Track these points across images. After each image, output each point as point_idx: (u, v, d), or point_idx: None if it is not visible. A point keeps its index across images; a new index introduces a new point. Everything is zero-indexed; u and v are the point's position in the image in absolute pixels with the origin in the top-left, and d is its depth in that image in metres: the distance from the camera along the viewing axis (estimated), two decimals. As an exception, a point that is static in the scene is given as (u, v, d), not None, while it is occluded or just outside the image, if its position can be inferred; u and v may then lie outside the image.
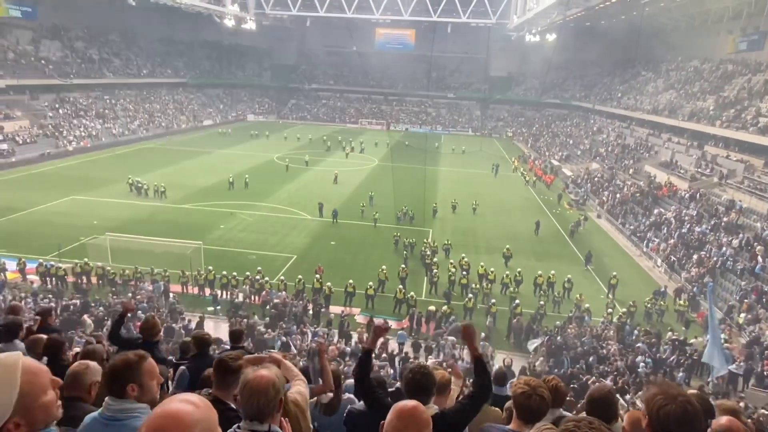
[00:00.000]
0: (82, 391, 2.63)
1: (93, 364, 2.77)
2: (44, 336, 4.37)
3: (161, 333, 4.86)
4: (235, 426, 1.88)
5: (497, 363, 15.39)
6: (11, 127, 45.06)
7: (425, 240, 27.36)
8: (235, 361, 2.75)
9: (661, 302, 21.49)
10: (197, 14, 70.29)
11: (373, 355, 4.43)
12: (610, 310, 20.66)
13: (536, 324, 19.32)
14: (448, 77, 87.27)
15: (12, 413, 1.35)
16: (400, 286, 21.19)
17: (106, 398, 2.09)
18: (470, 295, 20.65)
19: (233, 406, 2.58)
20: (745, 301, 20.49)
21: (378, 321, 10.99)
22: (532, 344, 17.85)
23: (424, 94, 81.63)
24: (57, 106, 52.92)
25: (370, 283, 20.96)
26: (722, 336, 16.37)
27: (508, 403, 3.39)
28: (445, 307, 19.94)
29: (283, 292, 20.70)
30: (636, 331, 18.63)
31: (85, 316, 16.24)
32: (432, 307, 20.18)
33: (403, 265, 23.27)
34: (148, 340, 4.66)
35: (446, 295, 21.41)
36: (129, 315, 5.56)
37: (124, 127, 57.17)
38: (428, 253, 24.85)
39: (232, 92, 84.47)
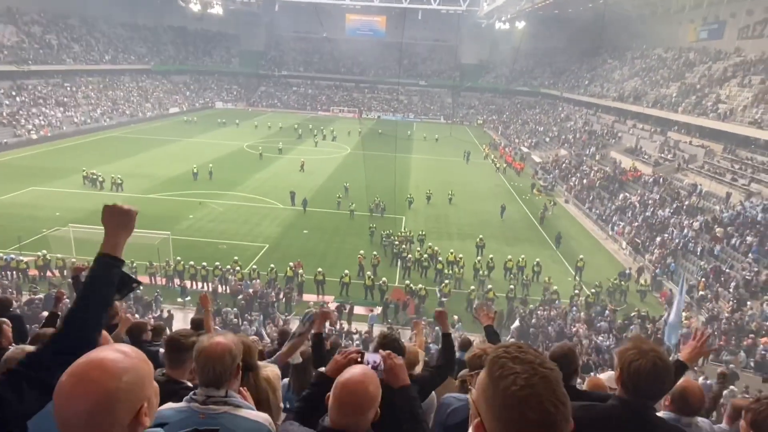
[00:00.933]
0: None
1: (30, 348, 2.67)
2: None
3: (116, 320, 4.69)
4: (191, 393, 1.86)
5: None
6: (-36, 115, 42.95)
7: (400, 232, 26.96)
8: (187, 338, 2.63)
9: (623, 282, 22.24)
10: (161, -2, 68.12)
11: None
12: (576, 291, 21.23)
13: (513, 306, 19.82)
14: (420, 64, 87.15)
15: None
16: (369, 273, 21.38)
17: None
18: (446, 281, 20.89)
19: (189, 384, 2.52)
20: (702, 279, 21.36)
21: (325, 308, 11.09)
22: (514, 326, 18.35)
23: (395, 82, 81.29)
24: (14, 93, 50.59)
25: (346, 271, 20.97)
26: (682, 315, 17.04)
27: (463, 372, 3.47)
28: (420, 286, 20.33)
29: (257, 281, 20.53)
30: (606, 312, 19.21)
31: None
32: (408, 282, 20.92)
33: (375, 253, 23.33)
34: (109, 327, 4.53)
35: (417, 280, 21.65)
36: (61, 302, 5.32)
37: (87, 116, 55.16)
38: (398, 243, 24.77)
39: (199, 79, 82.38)
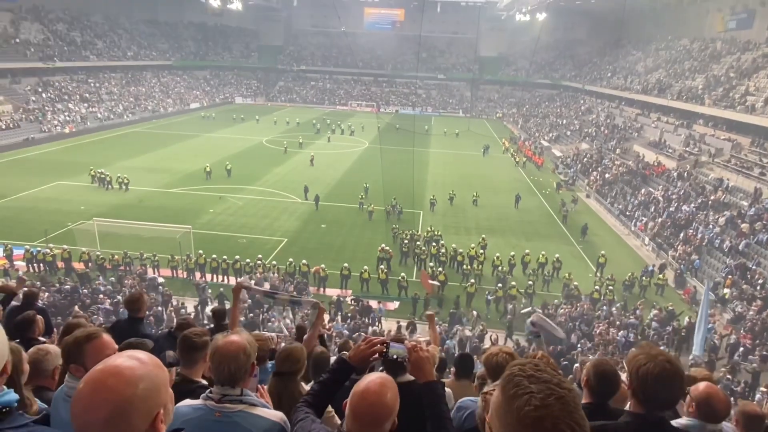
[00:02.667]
0: (46, 379, 2.57)
1: (53, 348, 2.72)
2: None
3: (145, 309, 4.74)
4: (207, 391, 1.87)
5: (487, 342, 15.62)
6: (-7, 111, 44.17)
7: (421, 233, 26.18)
8: (200, 337, 2.65)
9: (645, 278, 21.86)
10: (181, -6, 68.88)
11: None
12: (597, 287, 20.92)
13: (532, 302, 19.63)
14: (438, 58, 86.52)
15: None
16: (382, 267, 21.54)
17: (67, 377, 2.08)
18: (471, 280, 20.65)
19: (204, 382, 2.54)
20: (729, 277, 20.83)
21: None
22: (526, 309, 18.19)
23: (413, 75, 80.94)
24: (40, 89, 51.85)
25: (365, 266, 21.04)
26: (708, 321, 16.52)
27: (479, 372, 3.43)
28: (440, 270, 20.64)
29: (275, 274, 20.70)
30: (636, 310, 18.86)
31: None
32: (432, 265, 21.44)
33: (385, 246, 23.17)
34: (131, 314, 4.57)
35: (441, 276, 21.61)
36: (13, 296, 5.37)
37: (110, 111, 56.21)
38: (421, 244, 24.48)
39: (218, 74, 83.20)
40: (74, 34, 62.18)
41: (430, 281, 20.19)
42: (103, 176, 32.63)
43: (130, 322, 4.45)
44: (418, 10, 74.30)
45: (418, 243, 24.38)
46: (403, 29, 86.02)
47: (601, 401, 2.58)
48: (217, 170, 35.71)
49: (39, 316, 4.23)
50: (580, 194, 36.48)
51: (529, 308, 17.96)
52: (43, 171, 34.83)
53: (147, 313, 5.51)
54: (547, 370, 0.98)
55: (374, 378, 1.65)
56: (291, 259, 21.51)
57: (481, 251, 23.21)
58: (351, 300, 19.19)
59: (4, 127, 43.20)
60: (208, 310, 17.54)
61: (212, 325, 5.22)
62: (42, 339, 3.92)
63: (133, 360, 1.15)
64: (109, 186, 32.01)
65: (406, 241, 24.26)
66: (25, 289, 5.76)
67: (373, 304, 19.45)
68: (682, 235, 25.08)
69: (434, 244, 24.24)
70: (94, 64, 61.19)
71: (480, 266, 22.12)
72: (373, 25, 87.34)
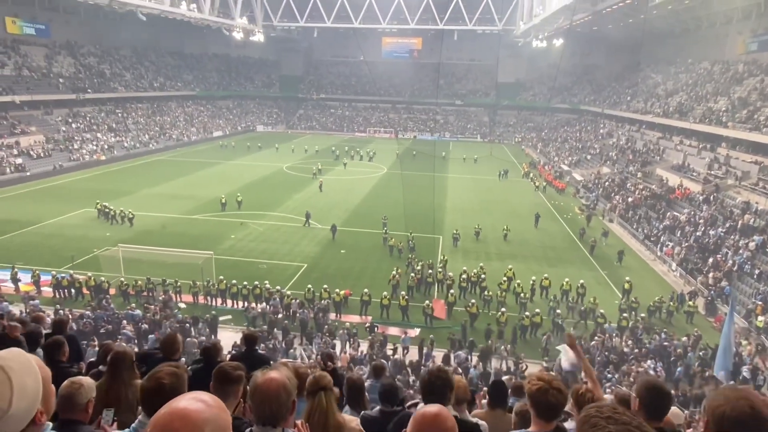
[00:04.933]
0: (79, 412, 2.52)
1: (87, 380, 2.68)
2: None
3: (181, 350, 4.66)
4: (247, 429, 1.82)
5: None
6: (26, 141, 45.83)
7: (430, 261, 25.44)
8: (235, 370, 2.62)
9: (672, 303, 21.22)
10: (206, 27, 71.19)
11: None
12: (625, 314, 20.34)
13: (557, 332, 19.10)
14: (456, 84, 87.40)
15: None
16: (403, 293, 21.32)
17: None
18: (503, 309, 19.88)
19: (247, 420, 2.48)
20: (759, 304, 20.06)
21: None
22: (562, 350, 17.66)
23: (432, 102, 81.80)
24: (70, 120, 53.76)
25: (385, 292, 20.92)
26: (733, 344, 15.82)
27: (518, 406, 3.30)
28: (473, 302, 20.26)
29: (296, 300, 20.66)
30: (662, 335, 18.25)
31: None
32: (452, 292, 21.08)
33: (395, 270, 22.99)
34: (167, 356, 4.47)
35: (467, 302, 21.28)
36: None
37: (136, 140, 57.86)
38: (437, 272, 24.19)
39: (241, 103, 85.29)
40: (104, 66, 64.70)
41: (443, 307, 19.91)
42: (107, 210, 31.64)
43: (163, 362, 4.38)
44: (436, 39, 75.59)
45: (439, 270, 24.12)
46: (420, 57, 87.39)
47: (657, 416, 2.52)
48: (232, 201, 34.94)
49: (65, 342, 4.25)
50: (603, 218, 35.90)
51: (563, 345, 17.49)
52: (71, 198, 35.79)
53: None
54: (625, 413, 0.92)
55: (430, 406, 1.72)
56: (310, 285, 21.47)
57: (505, 279, 22.80)
58: (366, 327, 18.97)
59: (35, 156, 44.74)
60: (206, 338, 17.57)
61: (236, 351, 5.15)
62: (67, 364, 3.91)
63: (199, 402, 1.14)
64: (114, 220, 30.94)
65: (429, 270, 23.93)
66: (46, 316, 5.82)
67: (394, 331, 19.23)
68: (711, 260, 24.38)
69: (450, 273, 23.72)
70: (122, 95, 63.41)
71: (504, 294, 21.72)
72: (391, 54, 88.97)
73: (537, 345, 18.76)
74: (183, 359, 4.93)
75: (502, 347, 17.63)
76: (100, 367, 3.60)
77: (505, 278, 22.80)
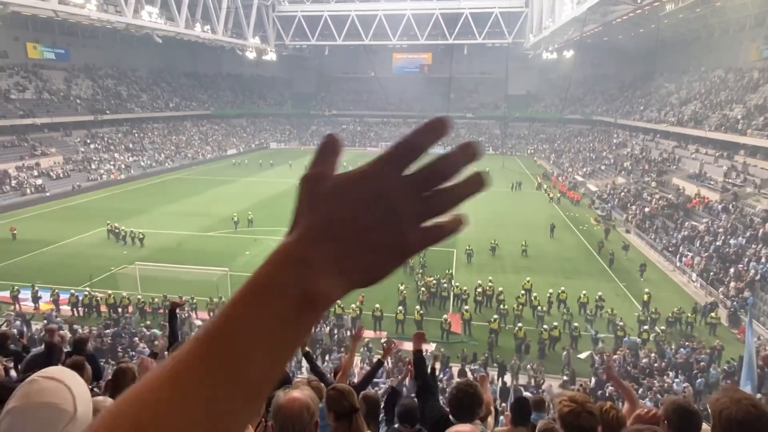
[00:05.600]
0: None
1: (108, 401, 2.68)
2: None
3: None
4: None
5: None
6: (46, 163, 46.88)
7: (438, 276, 24.57)
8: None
9: (693, 315, 20.80)
10: (220, 48, 72.84)
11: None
12: (645, 327, 19.95)
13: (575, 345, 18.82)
14: (467, 97, 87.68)
15: None
16: (417, 307, 21.14)
17: None
18: (520, 324, 19.73)
19: None
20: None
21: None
22: (584, 355, 17.43)
23: (443, 115, 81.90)
24: (88, 141, 54.93)
25: (400, 307, 20.83)
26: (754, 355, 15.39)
27: (542, 424, 3.23)
28: (495, 317, 19.96)
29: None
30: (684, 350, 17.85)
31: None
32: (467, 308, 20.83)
33: (402, 287, 22.78)
34: None
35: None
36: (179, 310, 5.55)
37: (152, 159, 58.85)
38: (442, 286, 23.95)
39: (254, 121, 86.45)
40: (121, 88, 66.22)
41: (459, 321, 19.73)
42: (117, 231, 31.59)
43: None
44: (446, 53, 76.08)
45: (443, 284, 23.94)
46: (431, 72, 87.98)
47: None
48: (244, 219, 34.71)
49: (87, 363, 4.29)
50: (620, 229, 35.45)
51: (588, 353, 17.24)
52: (89, 217, 36.38)
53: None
54: None
55: (461, 427, 1.75)
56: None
57: (523, 293, 22.53)
58: (383, 343, 18.81)
59: (55, 177, 45.70)
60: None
61: None
62: (89, 386, 3.93)
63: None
64: (123, 241, 30.91)
65: (436, 283, 23.77)
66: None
67: (409, 345, 19.05)
68: (732, 270, 23.87)
69: (464, 287, 23.47)
70: (139, 115, 64.72)
71: (521, 307, 21.46)
72: (402, 69, 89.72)
73: (555, 359, 18.46)
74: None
75: (528, 365, 17.38)
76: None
77: (523, 291, 22.55)
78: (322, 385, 3.42)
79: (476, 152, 0.60)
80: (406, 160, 0.60)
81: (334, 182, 0.61)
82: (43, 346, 5.20)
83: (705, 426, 3.32)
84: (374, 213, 0.58)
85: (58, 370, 1.38)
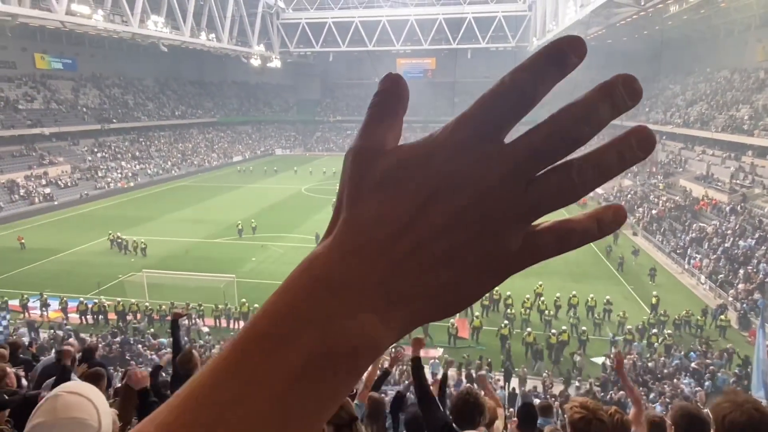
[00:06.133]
0: None
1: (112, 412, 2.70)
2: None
3: (198, 366, 4.74)
4: None
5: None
6: (54, 172, 47.31)
7: None
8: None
9: (702, 318, 20.63)
10: (225, 56, 73.34)
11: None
12: (654, 330, 19.79)
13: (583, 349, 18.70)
14: (471, 101, 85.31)
15: None
16: None
17: None
18: (529, 329, 19.65)
19: None
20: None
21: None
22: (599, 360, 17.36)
23: (447, 120, 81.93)
24: (95, 150, 55.40)
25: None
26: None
27: (548, 429, 3.22)
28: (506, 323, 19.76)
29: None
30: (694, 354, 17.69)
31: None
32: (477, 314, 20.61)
33: None
34: (185, 373, 4.58)
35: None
36: (181, 320, 5.56)
37: (159, 167, 59.25)
38: None
39: (260, 128, 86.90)
40: (127, 97, 66.83)
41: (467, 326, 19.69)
42: (120, 240, 31.33)
43: (184, 381, 4.45)
44: (450, 58, 76.34)
45: None
46: (435, 77, 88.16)
47: None
48: (248, 227, 34.59)
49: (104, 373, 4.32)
50: (627, 231, 35.24)
51: (602, 358, 17.14)
52: (96, 225, 36.63)
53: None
54: None
55: None
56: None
57: (532, 297, 22.43)
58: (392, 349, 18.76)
59: (63, 185, 46.10)
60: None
61: None
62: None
63: None
64: (126, 251, 30.70)
65: None
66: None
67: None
68: (741, 272, 23.66)
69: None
70: (145, 124, 65.23)
71: (528, 312, 21.36)
72: (406, 74, 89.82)
73: (563, 363, 18.36)
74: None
75: (544, 371, 17.28)
76: None
77: (535, 295, 22.43)
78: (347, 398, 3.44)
79: (633, 91, 0.37)
80: (506, 119, 0.39)
81: (393, 159, 0.39)
82: (53, 354, 5.23)
83: None
84: (453, 207, 0.36)
85: (81, 386, 1.41)
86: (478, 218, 0.36)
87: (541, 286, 23.24)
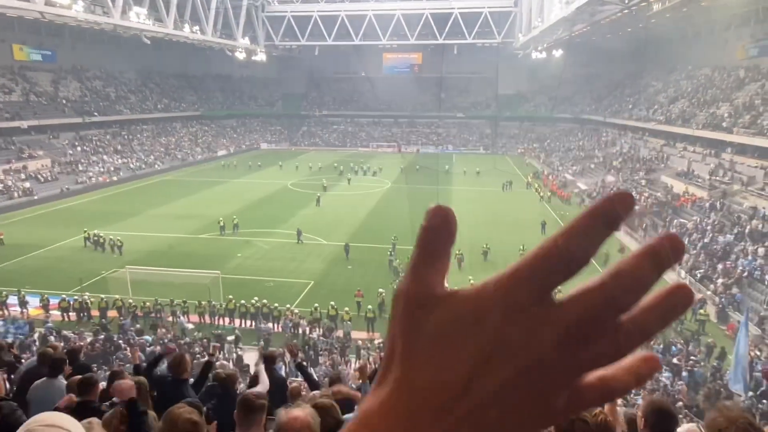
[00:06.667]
0: None
1: (96, 422, 2.69)
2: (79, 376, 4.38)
3: (190, 370, 4.74)
4: None
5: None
6: (34, 165, 46.36)
7: None
8: (258, 398, 2.68)
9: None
10: (209, 49, 72.35)
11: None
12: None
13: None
14: (457, 97, 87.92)
15: None
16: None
17: None
18: None
19: None
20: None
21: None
22: None
23: (434, 115, 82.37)
24: (76, 143, 54.38)
25: (369, 306, 20.96)
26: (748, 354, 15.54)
27: None
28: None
29: (303, 319, 20.67)
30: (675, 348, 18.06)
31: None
32: None
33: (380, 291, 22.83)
34: (176, 377, 4.56)
35: None
36: (166, 357, 5.52)
37: (142, 161, 58.39)
38: None
39: (245, 122, 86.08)
40: (109, 90, 65.63)
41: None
42: (97, 238, 30.22)
43: (174, 385, 4.45)
44: (436, 53, 76.30)
45: None
46: (421, 72, 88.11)
47: None
48: (230, 224, 33.96)
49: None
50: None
51: None
52: (78, 221, 35.96)
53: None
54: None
55: None
56: (317, 304, 21.43)
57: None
58: (379, 344, 18.87)
59: (42, 180, 45.21)
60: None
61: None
62: (98, 403, 3.92)
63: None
64: (102, 248, 29.79)
65: None
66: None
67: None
68: (720, 267, 24.20)
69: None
70: (127, 117, 64.18)
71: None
72: (392, 69, 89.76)
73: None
74: (191, 380, 4.97)
75: None
76: (114, 399, 3.62)
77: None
78: (333, 402, 3.43)
79: (677, 251, 0.37)
80: (559, 282, 0.39)
81: (448, 312, 0.39)
82: (35, 358, 5.16)
83: (691, 427, 3.39)
84: (507, 374, 0.37)
85: (58, 417, 1.39)
86: (531, 383, 0.37)
87: None
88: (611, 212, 0.37)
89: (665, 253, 0.37)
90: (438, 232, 0.40)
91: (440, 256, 0.41)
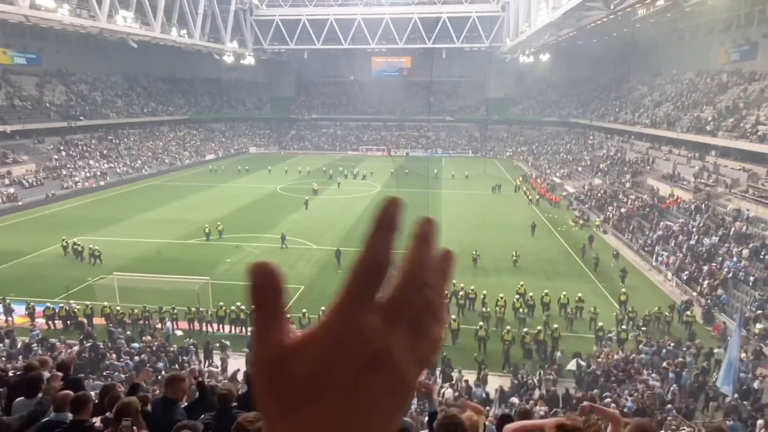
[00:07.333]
0: None
1: None
2: (71, 393, 4.29)
3: (186, 392, 4.62)
4: None
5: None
6: (18, 171, 45.66)
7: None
8: (253, 424, 2.63)
9: (668, 314, 21.32)
10: (197, 52, 71.90)
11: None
12: (623, 327, 20.37)
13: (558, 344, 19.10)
14: (446, 101, 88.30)
15: None
16: None
17: None
18: (508, 327, 19.81)
19: None
20: (759, 311, 20.18)
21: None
22: (572, 365, 17.62)
23: (423, 119, 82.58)
24: (62, 148, 53.68)
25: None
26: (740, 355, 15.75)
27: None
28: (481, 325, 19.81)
29: (293, 326, 20.57)
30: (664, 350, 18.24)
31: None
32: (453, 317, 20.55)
33: None
34: (169, 396, 4.44)
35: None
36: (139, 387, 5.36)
37: (129, 166, 57.78)
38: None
39: (233, 126, 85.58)
40: (95, 93, 64.90)
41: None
42: (76, 247, 29.33)
43: (167, 405, 4.34)
44: (425, 57, 76.56)
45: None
46: (410, 75, 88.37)
47: None
48: (215, 230, 33.40)
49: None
50: (596, 230, 36.09)
51: (574, 361, 17.46)
52: (64, 227, 35.50)
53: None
54: None
55: None
56: (305, 310, 21.29)
57: (518, 296, 22.59)
58: None
59: (27, 185, 44.53)
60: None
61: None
62: (91, 422, 3.86)
63: None
64: (81, 258, 28.91)
65: None
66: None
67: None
68: (705, 268, 24.54)
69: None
70: (114, 121, 63.48)
71: (503, 310, 21.63)
72: (381, 72, 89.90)
73: (541, 361, 18.76)
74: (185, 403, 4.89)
75: (539, 369, 17.54)
76: (107, 414, 3.57)
77: (517, 295, 22.56)
78: None
79: (429, 231, 0.49)
80: (373, 285, 0.45)
81: (300, 360, 0.41)
82: (22, 373, 5.08)
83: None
84: (374, 382, 0.40)
85: None
86: (393, 379, 0.41)
87: (522, 286, 23.37)
88: (389, 217, 0.46)
89: (428, 230, 0.49)
90: (265, 291, 0.42)
91: (276, 313, 0.43)
